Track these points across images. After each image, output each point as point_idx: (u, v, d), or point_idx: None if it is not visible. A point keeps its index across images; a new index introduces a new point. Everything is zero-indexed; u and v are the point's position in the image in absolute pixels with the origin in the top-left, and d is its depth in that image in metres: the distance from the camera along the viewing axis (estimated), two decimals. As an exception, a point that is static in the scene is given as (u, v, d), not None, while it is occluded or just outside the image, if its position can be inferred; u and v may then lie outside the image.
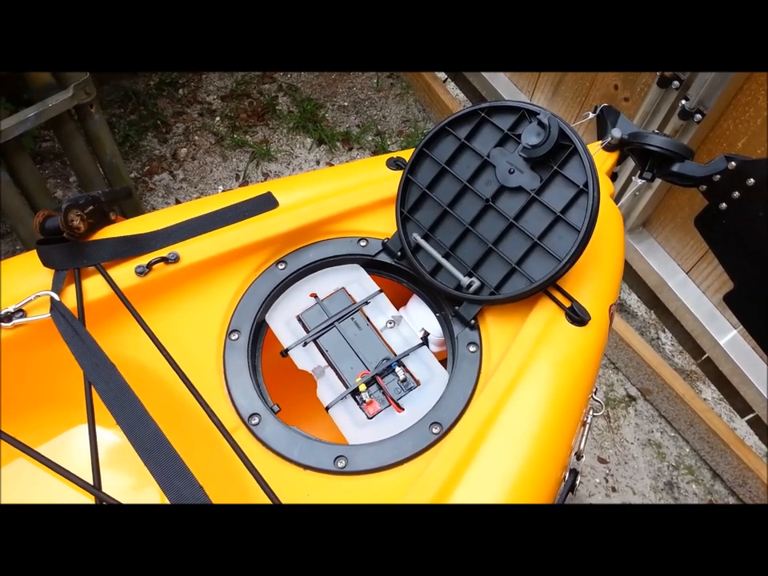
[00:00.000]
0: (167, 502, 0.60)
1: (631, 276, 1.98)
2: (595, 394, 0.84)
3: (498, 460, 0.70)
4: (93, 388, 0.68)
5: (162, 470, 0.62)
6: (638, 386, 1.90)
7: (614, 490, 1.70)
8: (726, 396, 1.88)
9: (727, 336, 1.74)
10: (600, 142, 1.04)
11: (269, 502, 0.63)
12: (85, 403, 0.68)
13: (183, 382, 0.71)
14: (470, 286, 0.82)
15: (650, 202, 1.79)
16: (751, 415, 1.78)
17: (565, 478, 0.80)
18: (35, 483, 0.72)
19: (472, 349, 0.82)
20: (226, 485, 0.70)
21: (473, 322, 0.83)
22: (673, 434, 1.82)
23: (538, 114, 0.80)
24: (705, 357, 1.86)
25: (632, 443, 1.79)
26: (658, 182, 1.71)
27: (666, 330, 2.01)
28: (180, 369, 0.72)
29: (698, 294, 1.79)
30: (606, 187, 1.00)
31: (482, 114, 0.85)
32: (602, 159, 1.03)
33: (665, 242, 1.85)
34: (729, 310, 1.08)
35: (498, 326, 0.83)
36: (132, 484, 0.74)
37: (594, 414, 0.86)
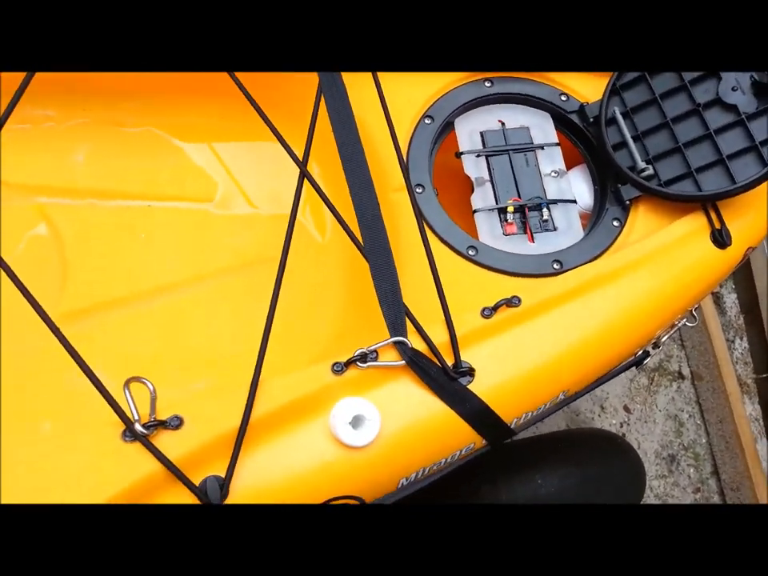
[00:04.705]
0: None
1: (743, 274, 1.97)
2: (695, 310, 0.93)
3: (598, 305, 0.81)
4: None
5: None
6: (693, 368, 1.96)
7: (623, 437, 1.83)
8: (765, 418, 1.94)
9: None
10: None
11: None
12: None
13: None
14: (643, 170, 0.89)
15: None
16: (780, 443, 1.84)
17: (637, 354, 0.91)
18: None
19: (615, 224, 0.91)
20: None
21: (627, 203, 0.91)
22: (699, 422, 1.91)
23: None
24: (766, 375, 1.90)
25: (660, 410, 1.89)
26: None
27: (744, 338, 2.03)
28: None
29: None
30: None
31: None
32: None
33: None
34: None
35: (646, 218, 0.91)
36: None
37: (687, 323, 0.96)
